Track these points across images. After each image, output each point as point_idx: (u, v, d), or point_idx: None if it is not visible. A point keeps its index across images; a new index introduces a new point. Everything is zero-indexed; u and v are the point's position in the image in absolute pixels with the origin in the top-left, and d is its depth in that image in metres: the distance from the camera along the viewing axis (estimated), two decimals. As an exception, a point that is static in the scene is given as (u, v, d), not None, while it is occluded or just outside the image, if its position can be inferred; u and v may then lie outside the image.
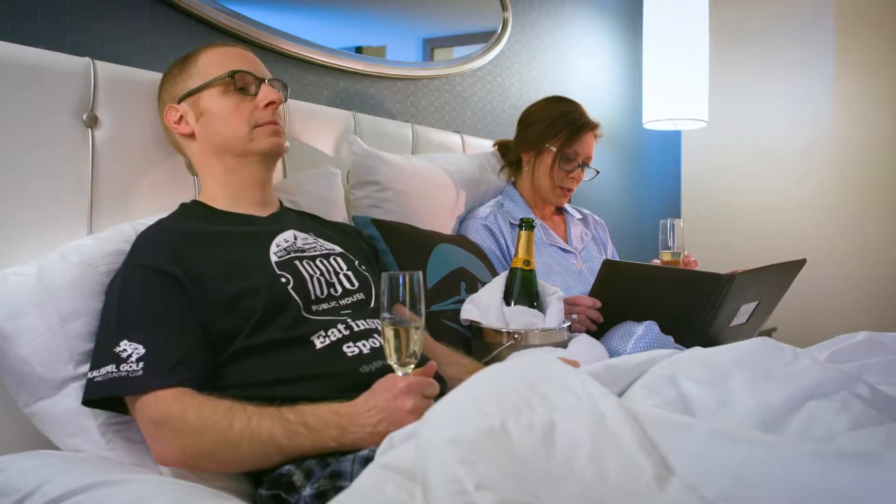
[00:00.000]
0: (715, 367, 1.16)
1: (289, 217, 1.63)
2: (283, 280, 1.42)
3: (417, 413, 1.19)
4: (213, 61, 1.56)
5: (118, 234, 1.48)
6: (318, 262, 1.51)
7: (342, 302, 1.48)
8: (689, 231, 3.97)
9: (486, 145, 2.66)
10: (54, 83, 1.48)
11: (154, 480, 1.20)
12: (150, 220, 1.52)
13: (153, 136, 1.64)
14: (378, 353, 1.40)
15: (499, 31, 2.94)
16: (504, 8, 2.94)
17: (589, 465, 0.83)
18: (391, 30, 2.63)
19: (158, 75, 1.65)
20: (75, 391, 1.34)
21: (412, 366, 1.26)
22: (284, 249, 1.49)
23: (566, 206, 2.57)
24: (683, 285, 1.99)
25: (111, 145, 1.56)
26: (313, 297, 1.44)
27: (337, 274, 1.52)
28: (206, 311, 1.34)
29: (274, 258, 1.46)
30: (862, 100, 3.75)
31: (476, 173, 2.43)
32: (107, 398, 1.28)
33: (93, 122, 1.53)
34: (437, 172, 2.28)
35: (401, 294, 1.22)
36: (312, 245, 1.55)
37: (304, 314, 1.41)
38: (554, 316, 1.86)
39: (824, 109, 3.82)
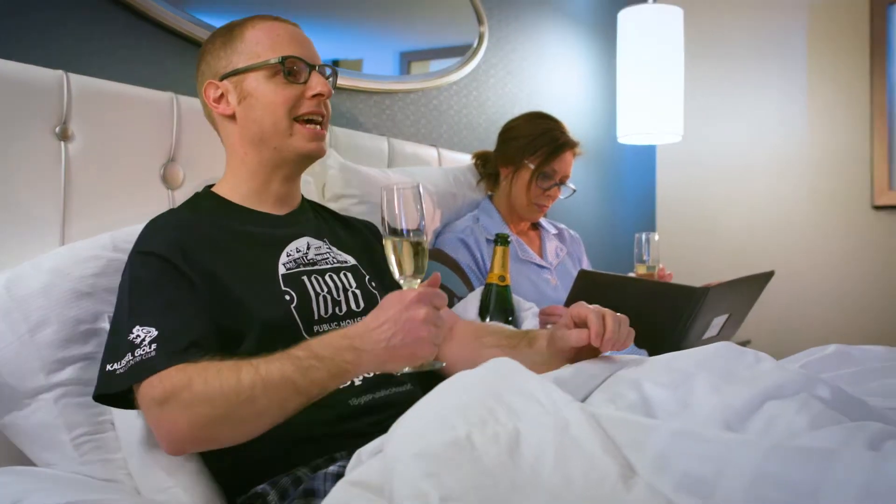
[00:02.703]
0: (678, 370, 1.19)
1: (306, 217, 1.56)
2: (287, 298, 1.37)
3: (430, 322, 1.17)
4: (263, 39, 1.46)
5: (93, 242, 1.46)
6: (326, 277, 1.46)
7: (344, 324, 1.42)
8: (663, 244, 3.99)
9: (463, 159, 2.67)
10: (26, 96, 1.48)
11: (129, 501, 1.19)
12: (127, 231, 1.50)
13: (128, 149, 1.63)
14: (369, 386, 1.37)
15: (475, 45, 2.95)
16: (480, 22, 2.96)
17: (554, 471, 0.85)
18: (368, 43, 2.63)
19: (134, 88, 1.64)
20: (48, 403, 1.32)
21: (419, 281, 1.25)
22: (294, 261, 1.44)
23: (542, 220, 2.58)
24: (659, 297, 2.01)
25: (84, 158, 1.55)
26: (316, 316, 1.40)
27: (345, 291, 1.47)
28: (213, 308, 1.29)
29: (282, 269, 1.41)
30: (834, 114, 3.80)
31: (452, 187, 2.43)
32: (122, 393, 1.21)
33: (65, 134, 1.52)
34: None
35: (403, 208, 1.22)
36: (325, 256, 1.49)
37: (305, 335, 1.36)
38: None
39: (798, 124, 3.87)
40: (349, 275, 1.49)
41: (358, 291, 1.48)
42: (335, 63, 2.43)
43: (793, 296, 3.75)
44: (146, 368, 1.17)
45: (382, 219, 1.22)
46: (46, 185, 1.50)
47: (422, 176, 2.35)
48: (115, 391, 1.20)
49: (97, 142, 1.58)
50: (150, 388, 1.16)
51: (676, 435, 0.89)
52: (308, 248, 1.47)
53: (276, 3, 2.22)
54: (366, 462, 0.98)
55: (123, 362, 1.19)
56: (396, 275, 1.25)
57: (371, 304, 1.47)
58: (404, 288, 1.24)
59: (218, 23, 1.96)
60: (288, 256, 1.43)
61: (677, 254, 4.01)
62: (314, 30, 2.36)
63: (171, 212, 1.45)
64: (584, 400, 1.17)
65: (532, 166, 2.35)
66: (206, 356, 1.18)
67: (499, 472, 0.84)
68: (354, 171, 2.10)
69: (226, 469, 1.32)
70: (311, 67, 1.47)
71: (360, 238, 1.64)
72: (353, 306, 1.46)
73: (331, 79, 1.53)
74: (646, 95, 3.46)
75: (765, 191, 3.93)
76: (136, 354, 1.19)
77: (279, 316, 1.35)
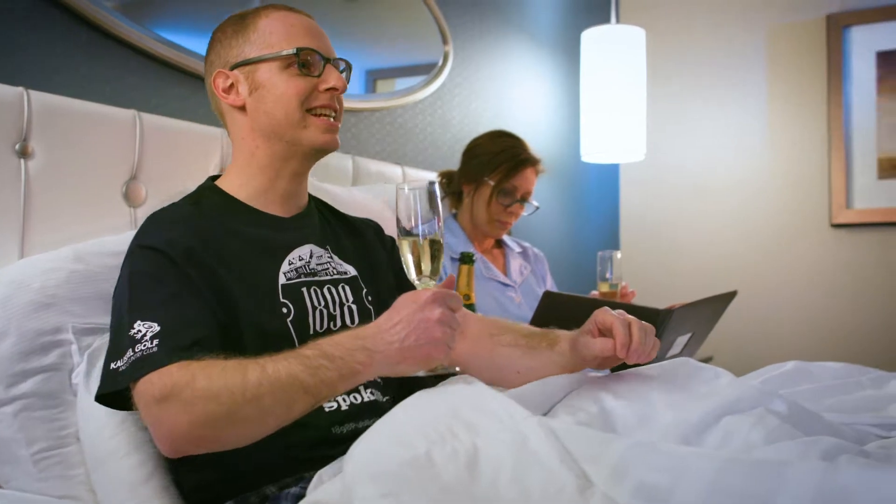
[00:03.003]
0: (638, 384, 1.22)
1: (311, 221, 1.51)
2: (285, 310, 1.34)
3: (445, 323, 1.14)
4: (277, 29, 1.41)
5: (55, 254, 1.44)
6: (325, 289, 1.42)
7: None
8: (627, 262, 4.04)
9: (427, 177, 2.68)
10: (-14, 112, 1.46)
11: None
12: (90, 243, 1.47)
13: (89, 166, 1.62)
14: (354, 413, 1.34)
15: (440, 64, 2.97)
16: (445, 41, 2.97)
17: (512, 485, 0.86)
18: (333, 62, 2.63)
19: (96, 105, 1.63)
20: (7, 416, 1.30)
21: (434, 282, 1.23)
22: (295, 270, 1.39)
23: (506, 239, 2.60)
24: None
25: (45, 176, 1.54)
26: (311, 331, 1.36)
27: (342, 306, 1.43)
28: (215, 306, 1.26)
29: (282, 279, 1.37)
30: (793, 134, 3.86)
31: (417, 205, 2.43)
32: (121, 393, 1.16)
33: (25, 152, 1.51)
34: (377, 204, 2.29)
35: (418, 208, 1.20)
36: (325, 266, 1.45)
37: None
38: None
39: (757, 144, 3.93)
40: (347, 288, 1.45)
41: (354, 307, 1.44)
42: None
43: (754, 312, 3.79)
44: (147, 364, 1.12)
45: (398, 219, 1.21)
46: (6, 202, 1.48)
47: (385, 193, 2.36)
48: (119, 388, 1.16)
49: (58, 159, 1.56)
50: (150, 384, 1.11)
51: (633, 447, 0.91)
52: (311, 257, 1.43)
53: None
54: (326, 482, 0.98)
55: (125, 359, 1.14)
56: (412, 276, 1.23)
57: (366, 320, 1.42)
58: (419, 288, 1.22)
59: (182, 40, 1.96)
60: (290, 265, 1.39)
61: (641, 272, 4.05)
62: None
63: (173, 206, 1.39)
64: (546, 414, 1.18)
65: (492, 183, 2.38)
66: (209, 355, 1.13)
67: (458, 488, 0.85)
68: (318, 189, 2.10)
69: (200, 484, 1.30)
70: (326, 60, 1.42)
71: (363, 242, 1.59)
72: (349, 321, 1.42)
73: (345, 73, 1.48)
74: (609, 114, 3.50)
75: (726, 209, 3.99)
76: (136, 350, 1.14)
77: (276, 328, 1.32)
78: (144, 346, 1.14)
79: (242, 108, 1.42)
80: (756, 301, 3.80)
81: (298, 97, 1.39)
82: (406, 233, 1.20)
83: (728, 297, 2.25)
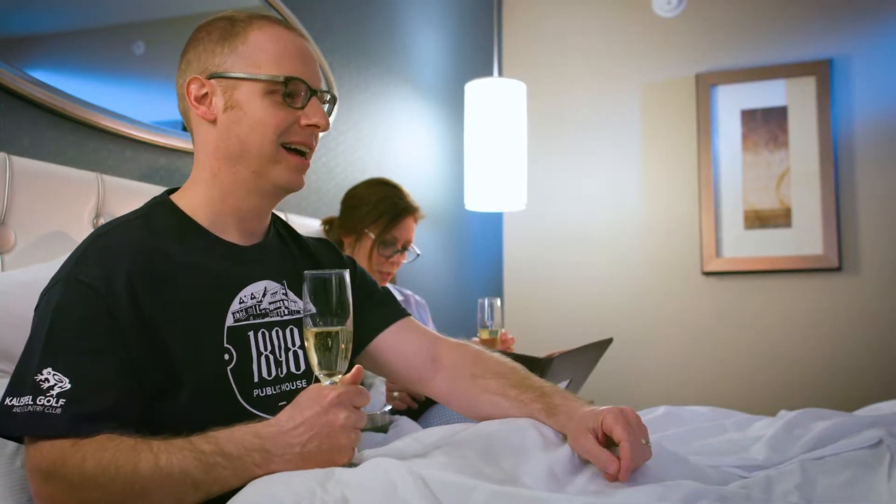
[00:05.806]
0: (514, 424, 1.26)
1: (271, 252, 1.42)
2: (227, 357, 1.26)
3: (349, 428, 1.10)
4: (268, 47, 1.31)
5: None
6: (274, 332, 1.34)
7: (284, 387, 1.33)
8: (510, 309, 4.11)
9: (311, 224, 2.67)
10: None
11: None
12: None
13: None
14: None
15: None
16: (329, 89, 2.98)
17: None
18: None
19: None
20: None
21: (339, 376, 1.15)
22: (245, 311, 1.31)
23: (388, 286, 2.61)
24: None
25: None
26: (257, 378, 1.29)
27: (288, 351, 1.36)
28: (142, 363, 1.18)
29: (230, 320, 1.29)
30: (665, 186, 4.04)
31: (299, 252, 2.42)
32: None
33: None
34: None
35: (327, 297, 1.12)
36: (278, 305, 1.37)
37: (241, 399, 1.26)
38: (376, 399, 1.88)
39: (633, 195, 4.09)
40: (296, 330, 1.39)
41: (300, 352, 1.38)
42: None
43: (629, 358, 3.91)
44: (44, 426, 1.08)
45: (304, 306, 1.14)
46: None
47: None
48: (8, 435, 1.12)
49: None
50: (38, 453, 1.08)
51: (495, 494, 0.95)
52: (263, 295, 1.36)
53: (122, 66, 2.19)
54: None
55: (22, 403, 1.09)
56: (315, 369, 1.15)
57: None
58: (323, 383, 1.14)
59: (58, 82, 1.90)
60: (240, 304, 1.31)
61: (523, 318, 4.13)
62: (161, 91, 2.33)
63: (122, 225, 1.28)
64: (426, 457, 1.21)
65: (373, 235, 2.38)
66: (114, 425, 1.09)
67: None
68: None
69: None
70: (313, 92, 1.34)
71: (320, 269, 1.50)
72: (293, 368, 1.36)
73: (327, 105, 1.40)
74: (491, 164, 3.58)
75: (603, 258, 4.12)
76: (38, 402, 1.08)
77: (214, 379, 1.25)
78: (48, 402, 1.08)
79: (213, 122, 1.33)
80: (631, 347, 3.92)
81: (276, 129, 1.31)
82: (312, 322, 1.13)
83: (604, 343, 2.32)
